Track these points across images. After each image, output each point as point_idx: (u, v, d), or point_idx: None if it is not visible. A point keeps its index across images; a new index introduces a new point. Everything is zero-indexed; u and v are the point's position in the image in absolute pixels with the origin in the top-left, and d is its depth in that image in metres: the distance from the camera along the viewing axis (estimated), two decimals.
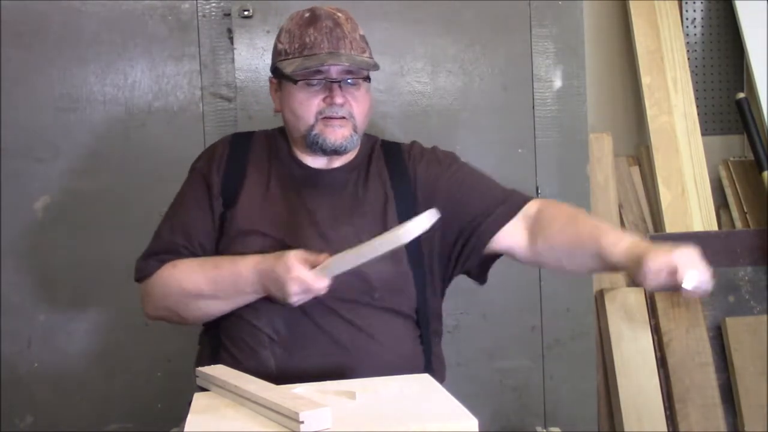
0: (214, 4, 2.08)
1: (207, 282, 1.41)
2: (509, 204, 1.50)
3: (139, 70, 2.07)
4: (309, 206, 1.47)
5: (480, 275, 1.56)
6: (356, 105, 1.46)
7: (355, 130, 1.47)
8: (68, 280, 2.05)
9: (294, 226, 1.45)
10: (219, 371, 1.30)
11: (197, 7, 2.08)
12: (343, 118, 1.45)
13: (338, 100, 1.43)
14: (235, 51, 2.07)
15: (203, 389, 1.31)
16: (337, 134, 1.45)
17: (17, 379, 2.04)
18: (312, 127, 1.45)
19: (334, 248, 1.35)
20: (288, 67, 1.44)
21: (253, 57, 2.07)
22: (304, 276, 1.30)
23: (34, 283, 2.05)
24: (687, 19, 2.54)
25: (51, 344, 2.05)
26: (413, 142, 1.61)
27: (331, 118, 1.44)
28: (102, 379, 2.06)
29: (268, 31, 2.07)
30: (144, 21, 2.06)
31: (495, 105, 2.17)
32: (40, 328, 2.05)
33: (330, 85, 1.44)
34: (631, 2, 2.47)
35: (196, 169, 1.55)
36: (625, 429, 2.24)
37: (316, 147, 1.46)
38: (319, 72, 1.43)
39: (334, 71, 1.43)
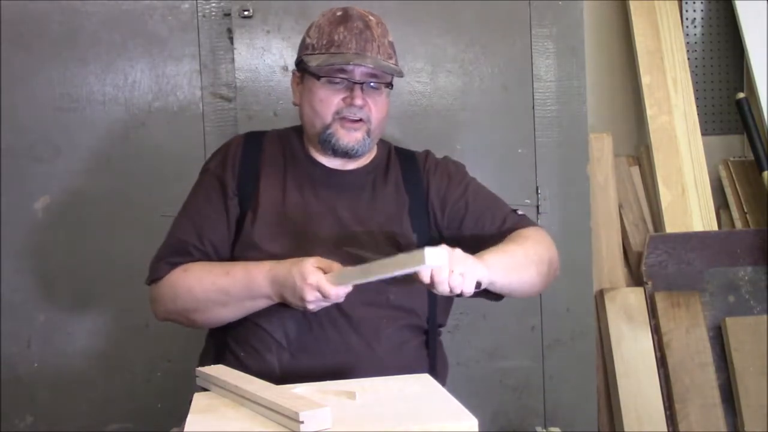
0: (214, 4, 2.08)
1: (218, 289, 1.39)
2: (503, 231, 1.49)
3: (139, 70, 2.07)
4: (329, 206, 1.47)
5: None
6: (375, 109, 1.46)
7: (368, 134, 1.47)
8: (68, 280, 2.05)
9: (315, 227, 1.44)
10: (219, 371, 1.30)
11: (197, 7, 2.08)
12: (360, 120, 1.45)
13: (358, 101, 1.43)
14: (235, 51, 2.07)
15: (203, 389, 1.31)
16: (351, 137, 1.45)
17: (17, 379, 2.04)
18: (328, 126, 1.45)
19: (354, 247, 1.35)
20: (313, 62, 1.43)
21: (253, 57, 2.07)
22: (321, 283, 1.28)
23: (34, 283, 2.05)
24: (687, 19, 2.54)
25: (51, 344, 2.05)
26: (427, 153, 1.61)
27: (347, 119, 1.44)
28: (102, 379, 2.06)
29: (268, 31, 2.07)
30: (144, 21, 2.06)
31: (495, 105, 2.17)
32: (40, 328, 2.05)
33: (352, 86, 1.44)
34: (631, 2, 2.47)
35: (210, 170, 1.53)
36: (625, 429, 2.24)
37: (328, 146, 1.46)
38: (342, 71, 1.43)
39: (358, 73, 1.43)
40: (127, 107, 2.07)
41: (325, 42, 1.44)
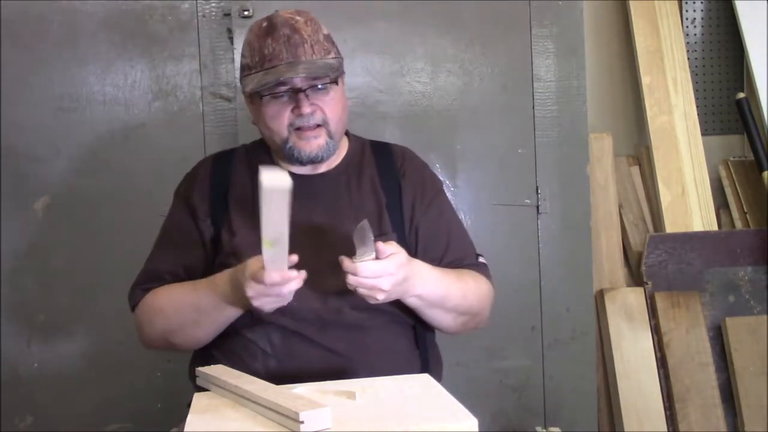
0: (214, 4, 2.08)
1: (188, 305, 1.40)
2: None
3: (139, 70, 2.07)
4: (302, 215, 1.43)
5: None
6: (329, 110, 1.43)
7: (330, 136, 1.44)
8: (68, 280, 2.05)
9: (291, 238, 1.43)
10: (219, 371, 1.30)
11: (197, 7, 2.08)
12: (318, 126, 1.42)
13: (305, 110, 1.40)
14: (234, 51, 2.07)
15: (203, 389, 1.31)
16: (312, 145, 1.42)
17: (17, 379, 2.04)
18: (286, 139, 1.43)
19: (332, 254, 1.33)
20: (249, 84, 1.41)
21: None
22: (256, 273, 1.23)
23: (34, 283, 2.05)
24: (687, 19, 2.53)
25: (51, 344, 2.05)
26: (404, 150, 1.59)
27: (303, 129, 1.42)
28: (102, 379, 2.06)
29: None
30: (144, 21, 2.07)
31: (495, 105, 2.17)
32: (40, 328, 2.05)
33: (296, 96, 1.40)
34: (631, 2, 2.47)
35: (180, 194, 1.54)
36: (625, 429, 2.24)
37: (293, 159, 1.45)
38: (282, 83, 1.39)
39: (298, 81, 1.40)
40: (127, 107, 2.07)
41: (258, 59, 1.40)
